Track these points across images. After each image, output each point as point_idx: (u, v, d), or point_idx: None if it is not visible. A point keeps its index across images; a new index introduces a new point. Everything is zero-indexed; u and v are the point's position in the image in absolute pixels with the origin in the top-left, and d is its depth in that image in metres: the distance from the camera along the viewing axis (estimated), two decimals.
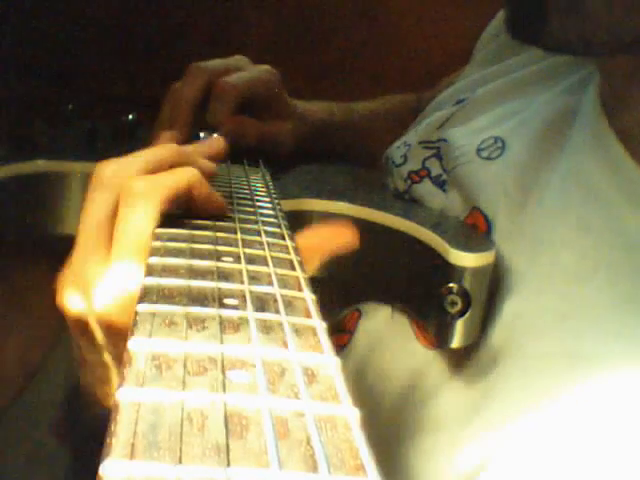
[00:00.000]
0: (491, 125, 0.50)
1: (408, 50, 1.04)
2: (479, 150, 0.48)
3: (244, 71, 0.65)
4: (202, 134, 0.65)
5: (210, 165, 0.42)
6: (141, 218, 0.35)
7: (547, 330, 0.39)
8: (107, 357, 0.37)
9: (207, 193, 0.38)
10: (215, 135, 0.66)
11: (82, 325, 0.36)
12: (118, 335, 0.35)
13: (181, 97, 0.61)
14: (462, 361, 0.42)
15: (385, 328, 0.47)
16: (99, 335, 0.36)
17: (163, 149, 0.40)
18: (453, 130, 0.51)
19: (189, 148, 0.43)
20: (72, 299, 0.37)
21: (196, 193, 0.37)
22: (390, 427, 0.43)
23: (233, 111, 0.62)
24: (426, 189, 0.51)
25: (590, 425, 0.36)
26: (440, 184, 0.50)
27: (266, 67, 0.67)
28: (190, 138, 0.61)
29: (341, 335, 0.49)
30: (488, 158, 0.47)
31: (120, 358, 0.36)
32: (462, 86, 0.57)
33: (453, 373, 0.43)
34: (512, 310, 0.41)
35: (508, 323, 0.41)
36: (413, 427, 0.42)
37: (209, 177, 0.41)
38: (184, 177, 0.37)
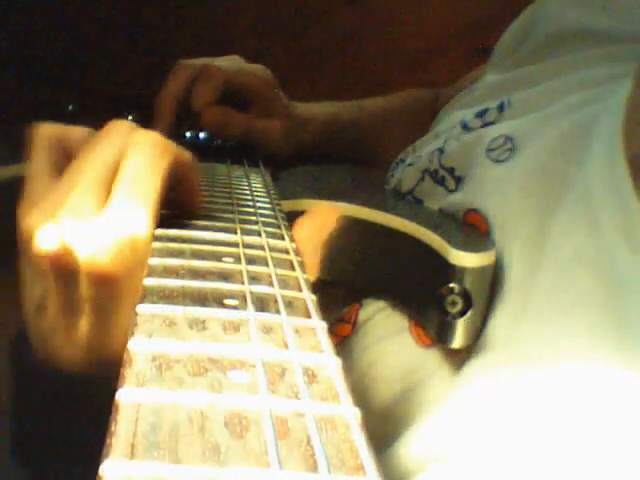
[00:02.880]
0: (505, 122, 0.48)
1: (396, 36, 1.04)
2: (488, 151, 0.47)
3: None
4: (188, 134, 0.66)
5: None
6: (154, 167, 0.33)
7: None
8: (84, 306, 0.34)
9: (195, 179, 0.37)
10: (202, 134, 0.66)
11: (61, 267, 0.33)
12: (106, 287, 0.33)
13: (164, 92, 0.62)
14: (459, 355, 0.42)
15: (382, 319, 0.47)
16: (84, 282, 0.33)
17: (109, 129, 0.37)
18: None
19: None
20: (53, 235, 0.32)
21: (187, 175, 0.36)
22: (386, 421, 0.43)
23: (217, 97, 0.62)
24: (429, 188, 0.50)
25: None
26: (442, 182, 0.50)
27: (260, 65, 0.67)
28: (172, 132, 0.60)
29: (344, 325, 0.49)
30: (497, 160, 0.46)
31: (102, 309, 0.33)
32: (489, 89, 0.55)
33: (448, 366, 0.43)
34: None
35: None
36: (405, 420, 0.42)
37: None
38: (183, 152, 0.36)
